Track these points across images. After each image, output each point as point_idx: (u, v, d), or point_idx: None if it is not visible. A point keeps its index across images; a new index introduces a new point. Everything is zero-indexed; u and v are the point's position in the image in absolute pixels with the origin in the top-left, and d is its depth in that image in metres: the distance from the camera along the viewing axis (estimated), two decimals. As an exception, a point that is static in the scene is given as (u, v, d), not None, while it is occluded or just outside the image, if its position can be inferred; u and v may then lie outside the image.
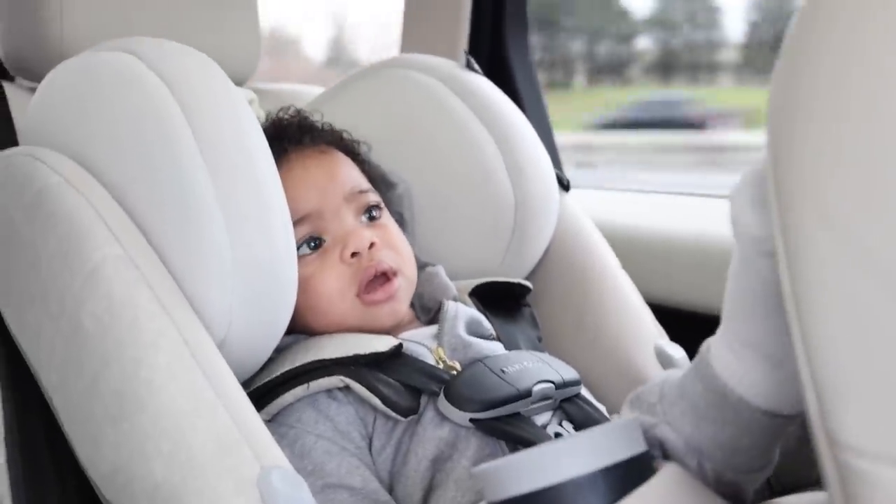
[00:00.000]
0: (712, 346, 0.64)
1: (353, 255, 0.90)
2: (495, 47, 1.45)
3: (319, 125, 1.02)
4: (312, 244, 0.91)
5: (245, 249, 0.76)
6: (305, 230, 0.91)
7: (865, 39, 0.41)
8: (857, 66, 0.41)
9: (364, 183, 0.98)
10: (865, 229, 0.39)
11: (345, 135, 1.03)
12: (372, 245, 0.91)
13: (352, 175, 0.97)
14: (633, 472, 0.53)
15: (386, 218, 0.97)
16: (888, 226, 0.39)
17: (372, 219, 0.95)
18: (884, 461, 0.40)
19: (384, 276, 0.91)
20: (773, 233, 0.45)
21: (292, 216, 0.88)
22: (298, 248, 0.88)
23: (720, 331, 0.63)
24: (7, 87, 1.17)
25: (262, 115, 1.04)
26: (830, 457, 0.42)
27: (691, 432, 0.64)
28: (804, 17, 0.44)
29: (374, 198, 0.97)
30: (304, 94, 1.28)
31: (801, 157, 0.43)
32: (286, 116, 1.01)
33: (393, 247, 0.94)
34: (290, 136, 0.97)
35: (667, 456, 0.64)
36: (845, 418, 0.41)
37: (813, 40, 0.44)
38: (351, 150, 1.02)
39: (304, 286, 0.87)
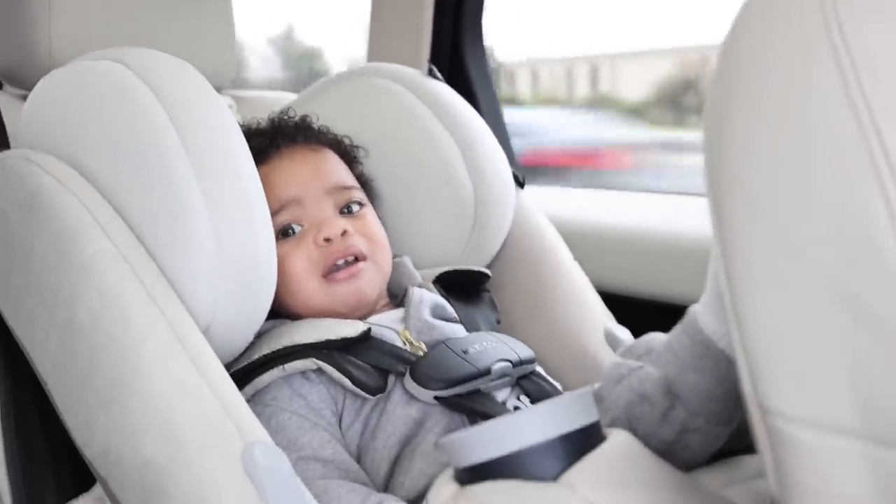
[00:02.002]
0: (699, 307, 0.67)
1: (326, 240, 0.91)
2: (455, 56, 1.47)
3: (316, 127, 1.03)
4: (290, 231, 0.92)
5: (229, 245, 0.77)
6: (286, 217, 0.92)
7: (777, 52, 0.43)
8: (770, 79, 0.43)
9: (349, 180, 0.99)
10: (786, 218, 0.41)
11: (343, 139, 1.04)
12: (345, 233, 0.91)
13: (337, 171, 0.98)
14: (587, 439, 0.54)
15: (366, 212, 0.98)
16: (804, 213, 0.40)
17: (351, 212, 0.96)
18: (805, 424, 0.41)
19: (355, 260, 0.92)
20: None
21: (275, 204, 0.90)
22: (278, 234, 0.90)
23: (705, 293, 0.66)
24: (-1, 95, 1.17)
25: (240, 121, 1.04)
26: (761, 422, 0.44)
27: (674, 378, 0.66)
28: (731, 33, 0.46)
29: (357, 195, 0.97)
30: (279, 100, 1.28)
31: (730, 156, 0.44)
32: (285, 118, 1.02)
33: (367, 236, 0.94)
34: (286, 134, 0.99)
35: (645, 393, 0.68)
36: (774, 387, 0.42)
37: (737, 54, 0.46)
38: (345, 152, 1.03)
39: (279, 266, 0.87)
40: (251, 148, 0.94)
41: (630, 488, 0.53)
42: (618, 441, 0.55)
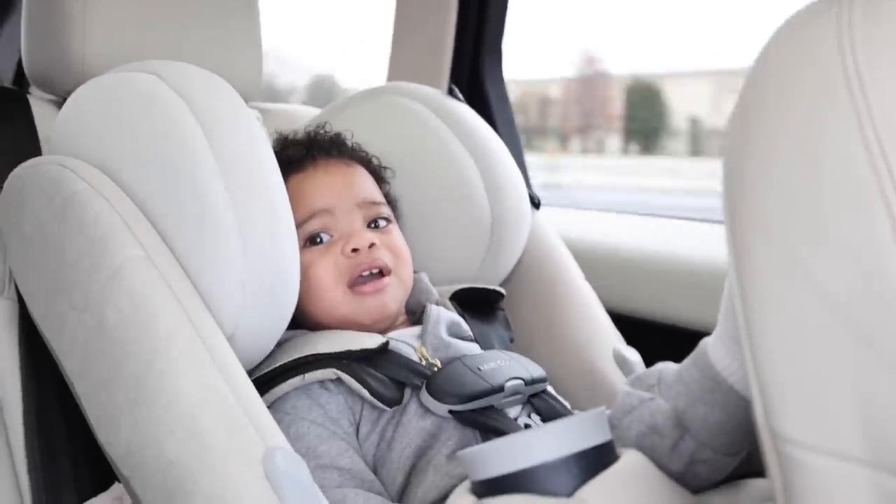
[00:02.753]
0: (710, 342, 0.67)
1: (354, 251, 0.93)
2: (474, 77, 1.48)
3: (350, 144, 1.05)
4: (319, 239, 0.94)
5: (255, 254, 0.78)
6: (315, 225, 0.94)
7: (793, 96, 0.45)
8: (789, 116, 0.44)
9: (378, 196, 1.01)
10: (800, 248, 0.43)
11: (373, 159, 1.06)
12: (372, 245, 0.93)
13: (368, 187, 1.00)
14: (601, 457, 0.55)
15: (392, 228, 1.00)
16: (818, 245, 0.42)
17: (378, 227, 0.98)
18: (817, 451, 0.43)
19: (380, 273, 0.94)
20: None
21: (306, 212, 0.93)
22: (306, 241, 0.93)
23: (717, 329, 0.67)
24: (31, 100, 1.18)
25: (267, 133, 1.07)
26: (772, 447, 0.45)
27: (684, 409, 0.67)
28: (754, 71, 0.48)
29: (385, 210, 1.00)
30: (304, 114, 1.29)
31: (748, 188, 0.46)
32: (321, 131, 1.05)
33: (392, 250, 0.96)
34: (322, 146, 1.01)
35: (655, 425, 0.68)
36: (785, 414, 0.44)
37: (758, 90, 0.47)
38: (375, 171, 1.05)
39: (304, 273, 0.90)
40: (288, 156, 0.97)
41: (642, 505, 0.54)
42: (631, 461, 0.57)
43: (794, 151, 0.44)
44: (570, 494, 0.53)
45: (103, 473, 0.85)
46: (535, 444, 0.54)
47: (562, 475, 0.54)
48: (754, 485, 0.70)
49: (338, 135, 1.05)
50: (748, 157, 0.46)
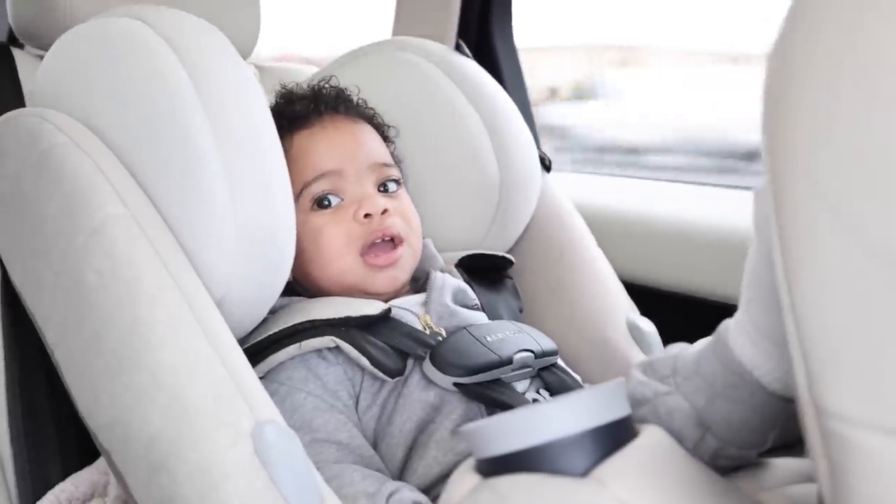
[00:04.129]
0: (731, 331, 0.61)
1: (366, 216, 0.89)
2: (482, 34, 1.43)
3: (356, 100, 1.00)
4: (327, 202, 0.89)
5: (246, 214, 0.74)
6: (324, 186, 0.90)
7: (862, 21, 0.39)
8: (851, 48, 0.39)
9: (388, 158, 0.96)
10: (855, 201, 0.38)
11: (376, 116, 1.02)
12: (385, 211, 0.89)
13: (378, 148, 0.96)
14: (618, 433, 0.51)
15: (402, 193, 0.96)
16: (877, 198, 0.37)
17: (388, 191, 0.94)
18: (869, 428, 0.38)
19: (391, 242, 0.90)
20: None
21: (313, 172, 0.89)
22: (313, 203, 0.89)
23: (738, 316, 0.60)
24: (16, 54, 1.14)
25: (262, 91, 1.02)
26: (817, 425, 0.41)
27: (704, 407, 0.61)
28: (801, 7, 0.42)
29: (395, 172, 0.95)
30: (302, 72, 1.25)
31: (794, 132, 0.41)
32: (326, 86, 0.99)
33: (404, 217, 0.92)
34: (328, 101, 0.96)
35: (673, 425, 0.62)
36: (833, 386, 0.39)
37: (807, 22, 0.42)
38: (380, 128, 1.01)
39: (314, 237, 0.87)
40: (293, 111, 0.92)
41: (664, 487, 0.49)
42: (651, 437, 0.52)
43: (856, 90, 0.39)
44: (584, 474, 0.49)
45: (91, 448, 0.81)
46: (546, 419, 0.50)
47: (575, 453, 0.49)
48: (784, 465, 0.65)
49: (343, 90, 1.00)
50: (793, 92, 0.41)
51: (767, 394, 0.59)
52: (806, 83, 0.41)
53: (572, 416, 0.50)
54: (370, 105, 1.02)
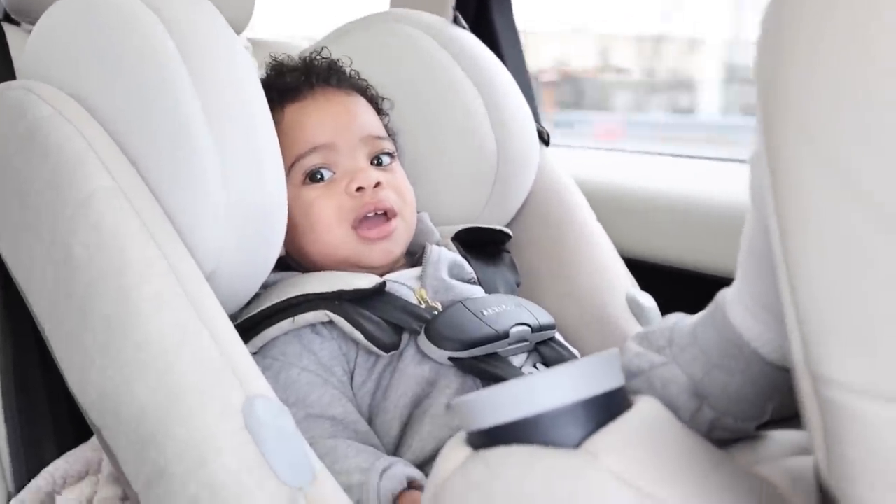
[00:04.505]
0: (729, 301, 0.59)
1: (359, 189, 0.87)
2: (481, 7, 1.41)
3: (348, 71, 0.99)
4: (319, 175, 0.88)
5: (237, 187, 0.73)
6: (316, 160, 0.89)
7: None
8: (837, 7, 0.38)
9: (381, 131, 0.95)
10: (850, 153, 0.36)
11: (370, 88, 1.00)
12: (377, 184, 0.88)
13: (371, 120, 0.95)
14: (612, 404, 0.50)
15: (396, 166, 0.94)
16: (872, 150, 0.36)
17: (381, 164, 0.92)
18: (864, 395, 0.37)
19: (384, 216, 0.88)
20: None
21: (306, 145, 0.88)
22: (305, 176, 0.88)
23: (735, 286, 0.59)
24: (10, 30, 1.12)
25: (256, 64, 1.00)
26: (812, 393, 0.39)
27: (701, 378, 0.60)
28: None
29: (388, 145, 0.94)
30: (298, 47, 1.23)
31: (787, 81, 0.39)
32: (318, 58, 0.98)
33: (398, 190, 0.91)
34: (319, 73, 0.95)
35: (669, 396, 0.61)
36: (830, 352, 0.38)
37: None
38: (373, 100, 0.99)
39: (306, 210, 0.86)
40: (284, 83, 0.91)
41: (658, 458, 0.48)
42: (645, 408, 0.51)
43: (842, 35, 0.37)
44: (577, 446, 0.48)
45: (85, 424, 0.81)
46: (537, 390, 0.49)
47: (568, 424, 0.48)
48: (782, 437, 0.64)
49: (335, 61, 0.98)
50: (787, 46, 0.39)
51: (765, 364, 0.58)
52: (799, 25, 0.39)
53: (564, 386, 0.49)
54: (365, 77, 1.01)
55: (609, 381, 0.50)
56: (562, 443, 0.48)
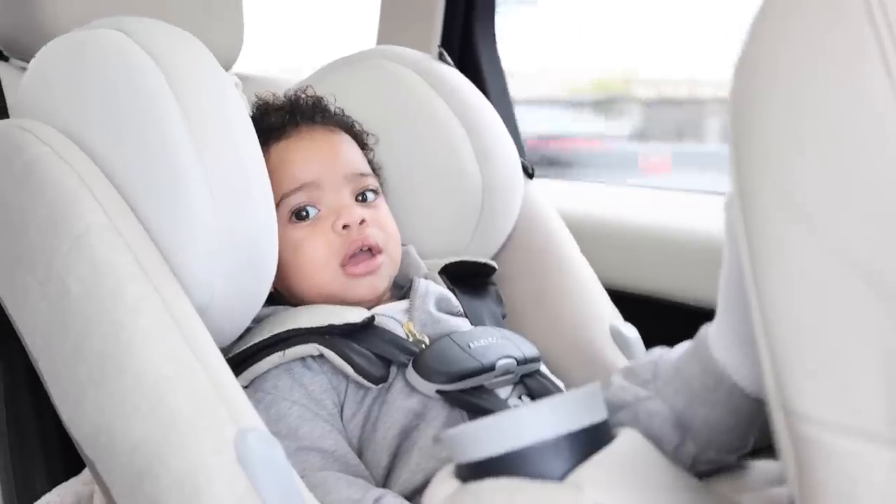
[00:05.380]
0: (710, 335, 0.62)
1: (344, 227, 0.89)
2: (466, 41, 1.44)
3: (332, 109, 1.01)
4: (305, 213, 0.90)
5: (228, 223, 0.74)
6: (302, 198, 0.90)
7: (823, 39, 0.41)
8: (813, 66, 0.40)
9: (365, 167, 0.97)
10: (822, 208, 0.39)
11: (355, 124, 1.02)
12: (362, 221, 0.90)
13: (355, 158, 0.96)
14: (595, 437, 0.52)
15: (380, 202, 0.96)
16: (842, 203, 0.38)
17: (366, 200, 0.94)
18: (836, 430, 0.39)
19: (369, 252, 0.90)
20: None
21: (292, 183, 0.89)
22: (291, 214, 0.90)
23: (717, 321, 0.61)
24: (1, 66, 1.14)
25: (246, 100, 1.02)
26: (785, 427, 0.41)
27: (684, 410, 0.62)
28: (764, 17, 0.43)
29: (372, 182, 0.96)
30: (286, 82, 1.25)
31: (762, 140, 0.42)
32: (303, 96, 1.00)
33: (382, 227, 0.93)
34: (304, 112, 0.97)
35: (653, 429, 0.63)
36: (799, 389, 0.40)
37: (772, 36, 0.43)
38: (358, 137, 1.01)
39: (294, 249, 0.88)
40: (269, 122, 0.93)
41: (640, 490, 0.50)
42: (628, 441, 0.53)
43: (804, 86, 0.40)
44: (561, 478, 0.49)
45: (76, 457, 0.82)
46: (523, 424, 0.50)
47: (553, 457, 0.50)
48: (761, 467, 0.66)
49: (319, 99, 1.00)
50: (755, 94, 0.42)
51: (746, 397, 0.60)
52: (774, 95, 0.42)
53: (549, 420, 0.50)
54: (352, 113, 1.03)
55: (592, 414, 0.52)
56: (547, 475, 0.50)
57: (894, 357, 0.37)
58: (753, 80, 0.43)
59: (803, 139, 0.40)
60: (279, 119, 0.95)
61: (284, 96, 1.01)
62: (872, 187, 0.37)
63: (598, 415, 0.53)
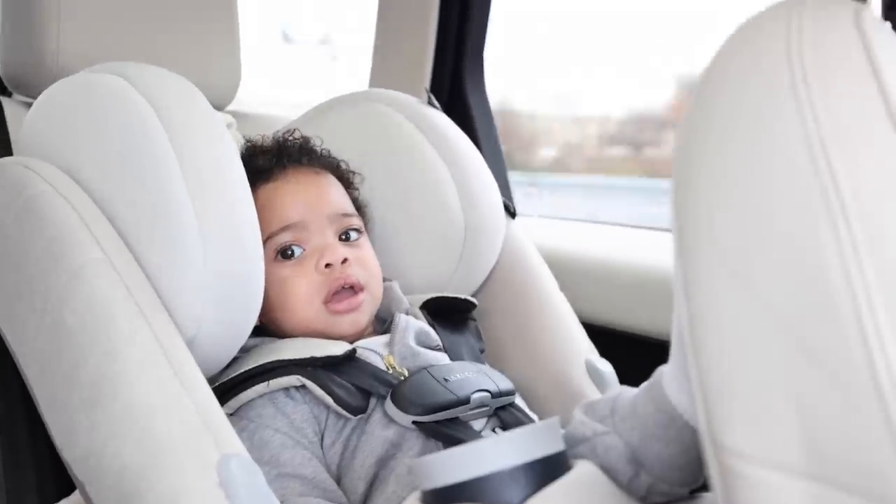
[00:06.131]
0: (665, 375, 0.65)
1: (327, 266, 0.93)
2: (455, 84, 1.48)
3: (319, 150, 1.05)
4: (290, 252, 0.94)
5: (218, 260, 0.78)
6: (288, 238, 0.94)
7: (742, 101, 0.45)
8: (736, 124, 0.45)
9: (349, 208, 1.01)
10: (747, 259, 0.43)
11: (341, 164, 1.06)
12: (345, 260, 0.94)
13: (339, 199, 1.00)
14: (552, 467, 0.55)
15: (363, 241, 1.00)
16: (765, 255, 0.42)
17: (349, 239, 0.98)
18: (758, 463, 0.43)
19: (351, 290, 0.94)
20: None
21: (279, 223, 0.93)
22: (277, 253, 0.93)
23: (670, 363, 0.64)
24: (4, 101, 1.18)
25: (240, 139, 1.07)
26: (715, 459, 0.45)
27: (638, 445, 0.65)
28: (703, 81, 0.48)
29: (356, 222, 1.00)
30: (279, 120, 1.29)
31: (696, 199, 0.46)
32: (290, 138, 1.04)
33: (364, 265, 0.96)
34: (291, 154, 1.01)
35: (609, 462, 0.66)
36: (726, 425, 0.44)
37: (707, 100, 0.47)
38: (344, 177, 1.05)
39: (279, 287, 0.91)
40: (257, 165, 0.97)
41: (590, 518, 0.54)
42: (583, 472, 0.57)
43: (741, 157, 0.44)
44: (519, 505, 0.53)
45: (67, 480, 0.85)
46: (484, 454, 0.54)
47: (510, 485, 0.54)
48: (714, 500, 0.69)
49: (307, 140, 1.04)
50: (696, 161, 0.46)
51: (696, 434, 0.63)
52: (706, 153, 0.46)
53: (507, 451, 0.54)
54: (341, 152, 1.06)
55: (549, 446, 0.56)
56: (505, 502, 0.53)
57: (808, 400, 0.41)
58: (690, 141, 0.47)
59: (730, 194, 0.44)
60: (267, 162, 0.99)
61: (273, 137, 1.05)
62: (786, 241, 0.41)
63: (554, 447, 0.56)
